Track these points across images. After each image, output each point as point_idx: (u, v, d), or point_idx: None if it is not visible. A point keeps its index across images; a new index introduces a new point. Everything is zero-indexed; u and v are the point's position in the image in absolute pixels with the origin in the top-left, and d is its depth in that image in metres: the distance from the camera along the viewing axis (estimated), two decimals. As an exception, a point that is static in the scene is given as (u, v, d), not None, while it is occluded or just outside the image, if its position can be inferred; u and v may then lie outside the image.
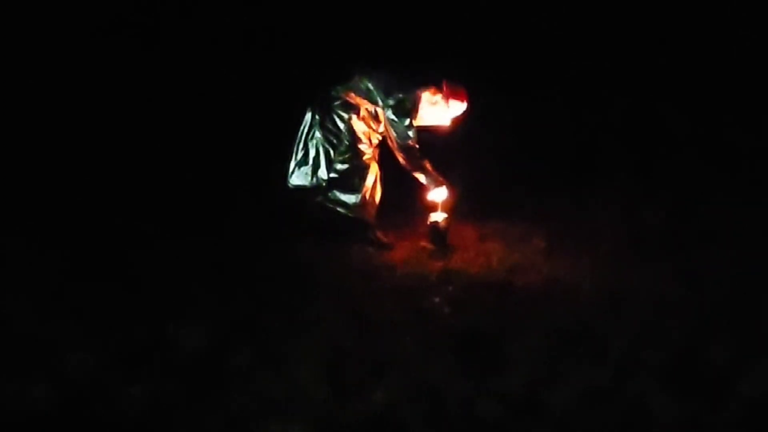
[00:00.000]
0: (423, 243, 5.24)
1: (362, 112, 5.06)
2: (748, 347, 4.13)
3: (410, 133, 4.97)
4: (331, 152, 5.09)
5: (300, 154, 5.17)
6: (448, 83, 4.98)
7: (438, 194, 5.18)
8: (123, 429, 3.69)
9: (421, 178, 5.15)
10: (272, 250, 5.12)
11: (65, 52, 7.27)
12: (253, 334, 4.27)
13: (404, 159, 5.05)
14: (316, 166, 5.12)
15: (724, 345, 4.14)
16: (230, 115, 6.75)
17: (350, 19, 7.45)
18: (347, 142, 5.07)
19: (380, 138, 5.14)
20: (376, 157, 5.19)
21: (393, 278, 4.88)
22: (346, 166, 5.09)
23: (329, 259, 5.04)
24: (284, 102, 5.73)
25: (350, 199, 5.10)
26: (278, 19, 7.62)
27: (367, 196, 5.12)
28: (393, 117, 4.94)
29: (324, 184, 5.11)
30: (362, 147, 5.09)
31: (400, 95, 4.93)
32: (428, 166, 5.11)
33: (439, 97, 4.97)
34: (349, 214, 5.12)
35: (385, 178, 5.21)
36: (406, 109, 4.94)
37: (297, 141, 5.18)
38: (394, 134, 4.98)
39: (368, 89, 4.99)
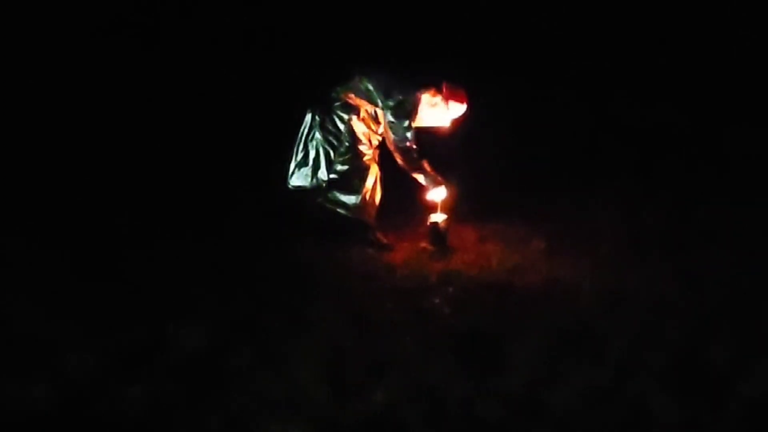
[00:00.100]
0: (423, 244, 5.24)
1: (362, 113, 5.06)
2: (748, 347, 4.13)
3: (409, 135, 4.97)
4: (331, 153, 5.09)
5: (300, 155, 5.17)
6: (447, 85, 4.98)
7: (437, 194, 5.18)
8: (123, 429, 3.69)
9: (420, 178, 5.15)
10: (272, 251, 5.13)
11: (65, 52, 7.27)
12: (253, 334, 4.27)
13: (402, 160, 5.06)
14: (316, 167, 5.12)
15: (724, 345, 4.14)
16: (230, 116, 6.75)
17: (350, 19, 7.45)
18: (347, 143, 5.07)
19: (380, 139, 5.15)
20: (376, 158, 5.19)
21: (393, 279, 4.88)
22: (346, 167, 5.08)
23: (329, 259, 5.04)
24: (284, 102, 5.72)
25: (350, 200, 5.10)
26: (278, 19, 7.63)
27: (367, 197, 5.12)
28: (392, 118, 4.94)
29: (324, 185, 5.11)
30: (362, 148, 5.09)
31: (400, 96, 4.94)
32: (426, 166, 5.12)
33: (438, 98, 4.97)
34: (349, 215, 5.13)
35: (385, 179, 5.21)
36: (406, 110, 4.94)
37: (297, 142, 5.18)
38: (393, 135, 4.98)
39: (368, 90, 4.99)
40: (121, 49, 7.37)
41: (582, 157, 6.30)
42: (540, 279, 4.84)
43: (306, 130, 5.16)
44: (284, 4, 7.68)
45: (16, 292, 4.63)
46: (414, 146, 5.02)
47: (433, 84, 4.96)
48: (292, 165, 5.18)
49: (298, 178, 5.17)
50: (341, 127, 5.06)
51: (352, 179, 5.09)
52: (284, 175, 5.21)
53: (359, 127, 5.07)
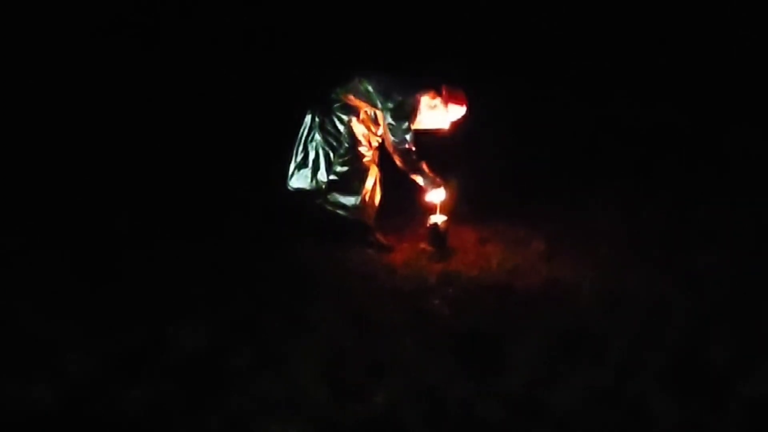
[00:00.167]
0: (423, 245, 5.24)
1: (362, 115, 5.06)
2: (748, 348, 4.14)
3: (408, 137, 4.97)
4: (331, 155, 5.09)
5: (300, 157, 5.16)
6: (447, 87, 4.98)
7: (436, 196, 5.18)
8: (123, 430, 3.70)
9: (419, 180, 5.15)
10: (272, 252, 5.13)
11: (65, 52, 7.27)
12: (253, 334, 4.28)
13: (401, 161, 5.06)
14: (315, 169, 5.12)
15: (723, 345, 4.15)
16: (230, 116, 6.75)
17: (350, 19, 7.45)
18: (347, 145, 5.06)
19: (380, 140, 5.14)
20: (376, 160, 5.18)
21: (393, 280, 4.89)
22: (345, 168, 5.08)
23: (329, 260, 5.04)
24: (284, 102, 5.72)
25: (350, 201, 5.10)
26: (278, 19, 7.63)
27: (367, 199, 5.12)
28: (391, 120, 4.94)
29: (324, 187, 5.11)
30: (362, 149, 5.09)
31: (400, 98, 4.93)
32: (425, 168, 5.11)
33: (438, 101, 4.97)
34: (349, 217, 5.12)
35: (385, 181, 5.20)
36: (405, 112, 4.94)
37: (297, 143, 5.18)
38: (392, 137, 4.98)
39: (368, 92, 4.98)
40: (121, 49, 7.36)
41: (582, 157, 6.30)
42: (540, 280, 4.84)
43: (306, 132, 5.15)
44: (284, 4, 7.68)
45: (16, 293, 4.64)
46: (413, 148, 5.01)
47: (433, 86, 4.96)
48: (292, 166, 5.18)
49: (298, 180, 5.17)
50: (341, 128, 5.06)
51: (352, 180, 5.08)
52: (284, 177, 5.21)
53: (359, 129, 5.07)
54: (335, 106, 5.06)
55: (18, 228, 5.37)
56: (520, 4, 7.57)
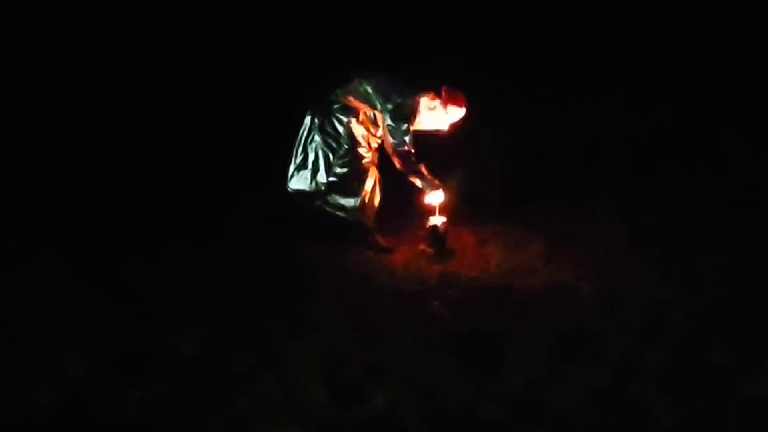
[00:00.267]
0: (422, 247, 5.24)
1: (361, 116, 5.06)
2: (748, 348, 4.15)
3: (407, 139, 4.96)
4: (331, 156, 5.08)
5: (299, 158, 5.16)
6: (446, 89, 4.97)
7: (434, 198, 5.18)
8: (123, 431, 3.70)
9: (417, 182, 5.14)
10: (272, 253, 5.13)
11: (65, 52, 7.26)
12: (253, 337, 4.28)
13: (400, 163, 5.05)
14: (315, 170, 5.11)
15: (723, 346, 4.16)
16: (230, 116, 6.74)
17: (350, 19, 7.44)
18: (346, 146, 5.06)
19: (379, 142, 5.14)
20: (376, 161, 5.18)
21: (392, 282, 4.89)
22: (345, 170, 5.08)
23: (329, 262, 5.05)
24: (284, 102, 5.72)
25: (349, 202, 5.10)
26: (278, 19, 7.62)
27: (367, 200, 5.12)
28: (391, 122, 4.94)
29: (323, 188, 5.10)
30: (361, 151, 5.09)
31: (399, 100, 4.92)
32: (424, 170, 5.11)
33: (437, 102, 4.96)
34: (349, 218, 5.12)
35: (385, 182, 5.20)
36: (405, 114, 4.93)
37: (296, 145, 5.17)
38: (391, 139, 4.97)
39: (367, 93, 4.98)
40: (121, 49, 7.36)
41: (581, 157, 6.29)
42: (539, 281, 4.84)
43: (305, 133, 5.15)
44: (284, 4, 7.67)
45: (17, 294, 4.64)
46: (412, 150, 5.00)
47: (432, 88, 4.95)
48: (291, 168, 5.17)
49: (298, 181, 5.16)
50: (340, 129, 5.05)
51: (352, 182, 5.08)
52: (283, 178, 5.20)
53: (358, 130, 5.06)
54: (334, 107, 5.06)
55: (18, 228, 5.37)
56: (520, 4, 7.56)
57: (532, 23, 7.46)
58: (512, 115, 6.52)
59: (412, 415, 3.77)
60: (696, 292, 4.63)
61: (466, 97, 5.01)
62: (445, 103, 4.97)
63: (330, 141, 5.08)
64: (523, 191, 5.84)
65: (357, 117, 5.05)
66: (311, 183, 5.13)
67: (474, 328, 4.36)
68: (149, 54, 7.38)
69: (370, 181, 5.12)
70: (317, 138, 5.10)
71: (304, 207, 5.19)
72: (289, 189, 5.19)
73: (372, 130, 5.10)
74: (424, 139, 5.11)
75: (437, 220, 5.20)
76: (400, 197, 5.34)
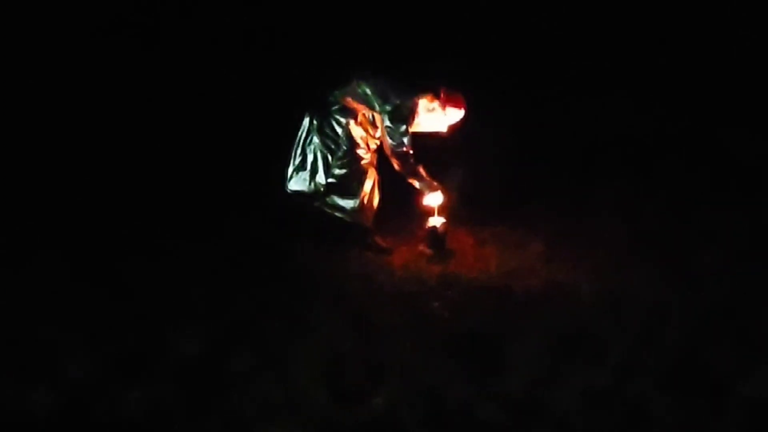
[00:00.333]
0: (421, 248, 5.23)
1: (360, 118, 5.05)
2: (748, 348, 4.15)
3: (405, 140, 4.96)
4: (329, 157, 5.08)
5: (298, 160, 5.16)
6: (445, 90, 4.96)
7: (433, 199, 5.17)
8: (123, 432, 3.71)
9: (416, 183, 5.14)
10: (271, 254, 5.13)
11: (65, 52, 7.26)
12: (252, 338, 4.29)
13: (398, 165, 5.04)
14: (314, 172, 5.11)
15: (723, 346, 4.16)
16: (230, 116, 6.74)
17: (350, 19, 7.44)
18: (345, 147, 5.06)
19: (378, 143, 5.13)
20: (374, 162, 5.18)
21: (392, 282, 4.89)
22: (344, 171, 5.08)
23: (328, 263, 5.04)
24: (284, 102, 5.72)
25: (348, 204, 5.10)
26: (278, 19, 7.61)
27: (365, 201, 5.12)
28: (389, 123, 4.94)
29: (322, 190, 5.10)
30: (360, 152, 5.09)
31: (398, 101, 4.92)
32: (422, 171, 5.10)
33: (436, 104, 4.95)
34: (348, 219, 5.12)
35: (384, 183, 5.20)
36: (403, 115, 4.93)
37: (295, 146, 5.17)
38: (390, 140, 4.97)
39: (366, 94, 4.97)
40: (121, 49, 7.36)
41: (581, 158, 6.28)
42: (539, 281, 4.84)
43: (304, 135, 5.15)
44: (284, 4, 7.67)
45: (16, 294, 4.64)
46: (410, 151, 5.00)
47: (431, 89, 4.95)
48: (290, 169, 5.17)
49: (297, 183, 5.16)
50: (339, 131, 5.05)
51: (351, 183, 5.08)
52: (282, 180, 5.21)
53: (357, 131, 5.06)
54: (333, 108, 5.06)
55: (17, 229, 5.37)
56: (520, 4, 7.55)
57: (532, 23, 7.45)
58: (512, 115, 6.51)
59: (412, 416, 3.78)
60: (696, 292, 4.62)
61: (465, 98, 5.01)
62: (443, 105, 4.96)
63: (329, 142, 5.08)
64: (522, 191, 5.83)
65: (355, 118, 5.05)
66: (310, 184, 5.13)
67: (474, 329, 4.36)
68: (149, 54, 7.38)
69: (369, 182, 5.12)
70: (316, 139, 5.10)
71: (303, 208, 5.19)
72: (287, 190, 5.19)
73: (371, 131, 5.10)
74: (423, 139, 5.11)
75: (436, 221, 5.20)
76: (399, 198, 5.33)
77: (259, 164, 5.77)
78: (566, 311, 4.49)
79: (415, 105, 4.95)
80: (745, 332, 4.27)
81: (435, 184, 5.15)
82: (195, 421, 3.75)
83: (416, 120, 4.99)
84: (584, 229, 5.37)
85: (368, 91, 4.97)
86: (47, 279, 4.80)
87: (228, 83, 7.04)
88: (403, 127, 4.93)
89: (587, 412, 3.79)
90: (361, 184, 5.09)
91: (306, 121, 5.14)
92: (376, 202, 5.19)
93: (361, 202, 5.10)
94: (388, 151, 5.03)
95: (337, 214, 5.12)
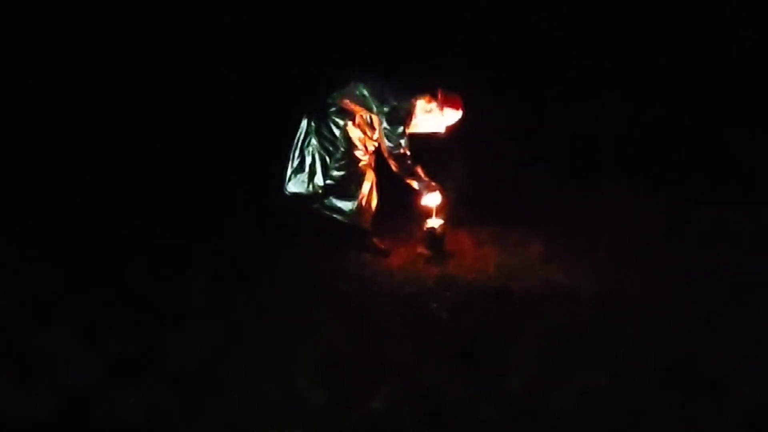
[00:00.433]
0: (420, 249, 5.23)
1: (357, 119, 5.05)
2: (748, 349, 4.14)
3: (402, 141, 4.96)
4: (327, 159, 5.08)
5: (296, 162, 5.16)
6: (443, 91, 4.97)
7: (431, 200, 5.16)
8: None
9: (414, 184, 5.13)
10: (270, 257, 5.12)
11: (65, 52, 7.26)
12: (252, 338, 4.29)
13: (396, 166, 5.04)
14: (312, 174, 5.11)
15: (723, 346, 4.16)
16: (230, 116, 6.74)
17: (350, 19, 7.44)
18: (343, 149, 5.06)
19: (376, 145, 5.14)
20: (372, 164, 5.18)
21: (390, 284, 4.89)
22: (342, 173, 5.08)
23: (327, 265, 5.04)
24: (284, 102, 5.72)
25: (346, 205, 5.10)
26: (278, 19, 7.61)
27: (364, 203, 5.12)
28: (387, 125, 4.94)
29: (320, 191, 5.10)
30: (358, 154, 5.09)
31: (395, 103, 4.92)
32: (420, 172, 5.10)
33: (433, 105, 4.96)
34: (346, 221, 5.12)
35: (382, 185, 5.20)
36: (400, 117, 4.93)
37: (293, 148, 5.17)
38: (387, 142, 4.97)
39: (363, 96, 4.98)
40: (121, 49, 7.36)
41: (580, 158, 6.28)
42: (538, 282, 4.84)
43: (302, 137, 5.15)
44: (284, 4, 7.67)
45: (14, 299, 4.64)
46: (408, 152, 5.00)
47: (429, 90, 4.95)
48: (289, 171, 5.17)
49: (295, 185, 5.16)
50: (337, 132, 5.05)
51: (349, 185, 5.08)
52: (281, 182, 5.20)
53: (355, 133, 5.06)
54: (331, 110, 5.06)
55: (16, 233, 5.36)
56: (520, 4, 7.55)
57: (532, 23, 7.45)
58: (512, 115, 6.52)
59: (411, 416, 3.77)
60: (696, 292, 4.62)
61: (463, 99, 5.01)
62: (441, 106, 4.96)
63: (327, 144, 5.08)
64: (522, 192, 5.83)
65: (353, 120, 5.05)
66: (308, 186, 5.13)
67: (473, 330, 4.35)
68: (149, 54, 7.38)
69: (367, 184, 5.12)
70: (314, 141, 5.10)
71: (301, 210, 5.19)
72: (286, 192, 5.19)
73: (368, 133, 5.10)
74: (420, 139, 5.11)
75: (434, 222, 5.19)
76: (398, 199, 5.33)
77: (259, 164, 5.77)
78: (566, 311, 4.49)
79: (413, 106, 4.95)
80: (745, 332, 4.27)
81: (433, 184, 5.15)
82: (195, 422, 3.75)
83: (414, 121, 4.99)
84: (584, 229, 5.37)
85: (366, 92, 4.97)
86: (47, 281, 4.80)
87: (228, 83, 7.04)
88: (401, 129, 4.93)
89: (587, 412, 3.79)
90: (360, 185, 5.09)
91: (304, 123, 5.14)
92: (374, 203, 5.19)
93: (360, 203, 5.10)
94: (385, 153, 5.03)
95: (335, 215, 5.12)
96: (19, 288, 4.74)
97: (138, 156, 6.32)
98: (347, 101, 5.03)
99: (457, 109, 5.01)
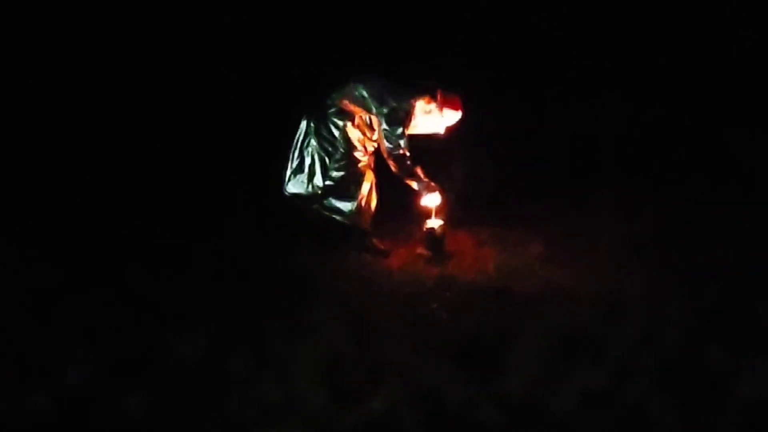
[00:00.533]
0: (419, 249, 5.23)
1: (357, 120, 5.05)
2: (748, 348, 4.14)
3: (401, 142, 4.96)
4: (327, 160, 5.08)
5: (295, 162, 5.16)
6: (442, 92, 4.97)
7: (430, 200, 5.16)
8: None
9: (413, 184, 5.13)
10: (270, 257, 5.12)
11: (65, 52, 7.27)
12: (252, 338, 4.28)
13: (395, 167, 5.04)
14: (311, 174, 5.11)
15: (723, 346, 4.15)
16: (230, 116, 6.74)
17: (350, 19, 7.44)
18: (342, 150, 5.06)
19: (375, 145, 5.13)
20: (372, 165, 5.18)
21: (390, 284, 4.88)
22: (341, 173, 5.08)
23: (326, 265, 5.04)
24: (284, 103, 5.72)
25: (346, 206, 5.10)
26: (278, 19, 7.61)
27: (363, 204, 5.12)
28: (386, 126, 4.94)
29: (320, 192, 5.10)
30: (357, 154, 5.09)
31: (394, 104, 4.92)
32: (419, 172, 5.10)
33: (433, 105, 4.96)
34: (346, 222, 5.12)
35: (381, 185, 5.20)
36: (399, 117, 4.93)
37: (292, 149, 5.17)
38: (386, 143, 4.97)
39: (363, 97, 4.98)
40: (121, 49, 7.36)
41: (580, 158, 6.28)
42: (538, 282, 4.84)
43: (301, 137, 5.15)
44: (284, 4, 7.67)
45: (14, 299, 4.63)
46: (407, 153, 5.00)
47: (428, 91, 4.95)
48: (288, 172, 5.17)
49: (294, 185, 5.16)
50: (336, 133, 5.05)
51: (348, 186, 5.08)
52: (280, 183, 5.20)
53: (354, 134, 5.06)
54: (330, 111, 5.06)
55: (15, 233, 5.36)
56: (520, 4, 7.55)
57: (532, 23, 7.45)
58: (512, 115, 6.52)
59: (411, 416, 3.77)
60: (696, 292, 4.62)
61: (462, 99, 5.01)
62: (440, 107, 4.97)
63: (326, 145, 5.08)
64: (522, 192, 5.83)
65: (353, 121, 5.05)
66: (308, 187, 5.13)
67: (473, 330, 4.35)
68: (149, 54, 7.38)
69: (367, 185, 5.12)
70: (313, 142, 5.10)
71: (301, 211, 5.19)
72: (286, 193, 5.19)
73: (368, 133, 5.10)
74: (419, 140, 5.11)
75: (434, 222, 5.19)
76: (397, 200, 5.33)
77: (259, 164, 5.76)
78: (566, 311, 4.49)
79: (412, 107, 4.95)
80: (745, 332, 4.27)
81: (433, 185, 5.14)
82: (195, 422, 3.75)
83: (413, 122, 4.99)
84: (584, 229, 5.37)
85: (365, 93, 4.97)
86: (46, 281, 4.79)
87: (228, 83, 7.04)
88: (400, 130, 4.94)
89: (587, 412, 3.78)
90: (359, 186, 5.09)
91: (303, 123, 5.14)
92: (373, 204, 5.19)
93: (359, 204, 5.10)
94: (385, 154, 5.03)
95: (335, 216, 5.11)
96: (19, 288, 4.73)
97: (138, 156, 6.32)
98: (346, 102, 5.03)
99: (457, 109, 5.01)
